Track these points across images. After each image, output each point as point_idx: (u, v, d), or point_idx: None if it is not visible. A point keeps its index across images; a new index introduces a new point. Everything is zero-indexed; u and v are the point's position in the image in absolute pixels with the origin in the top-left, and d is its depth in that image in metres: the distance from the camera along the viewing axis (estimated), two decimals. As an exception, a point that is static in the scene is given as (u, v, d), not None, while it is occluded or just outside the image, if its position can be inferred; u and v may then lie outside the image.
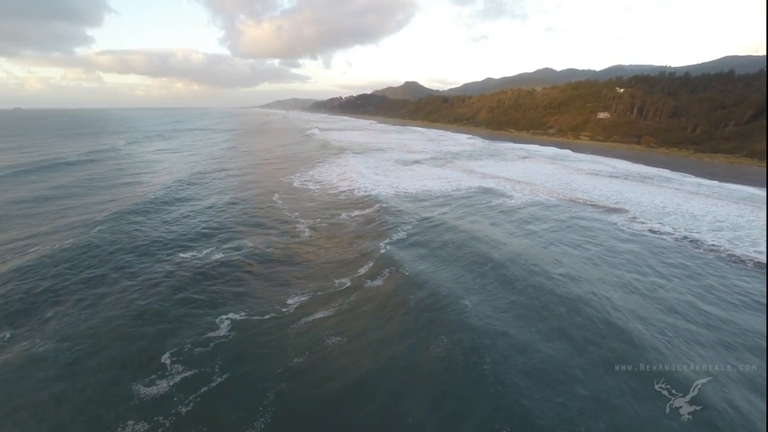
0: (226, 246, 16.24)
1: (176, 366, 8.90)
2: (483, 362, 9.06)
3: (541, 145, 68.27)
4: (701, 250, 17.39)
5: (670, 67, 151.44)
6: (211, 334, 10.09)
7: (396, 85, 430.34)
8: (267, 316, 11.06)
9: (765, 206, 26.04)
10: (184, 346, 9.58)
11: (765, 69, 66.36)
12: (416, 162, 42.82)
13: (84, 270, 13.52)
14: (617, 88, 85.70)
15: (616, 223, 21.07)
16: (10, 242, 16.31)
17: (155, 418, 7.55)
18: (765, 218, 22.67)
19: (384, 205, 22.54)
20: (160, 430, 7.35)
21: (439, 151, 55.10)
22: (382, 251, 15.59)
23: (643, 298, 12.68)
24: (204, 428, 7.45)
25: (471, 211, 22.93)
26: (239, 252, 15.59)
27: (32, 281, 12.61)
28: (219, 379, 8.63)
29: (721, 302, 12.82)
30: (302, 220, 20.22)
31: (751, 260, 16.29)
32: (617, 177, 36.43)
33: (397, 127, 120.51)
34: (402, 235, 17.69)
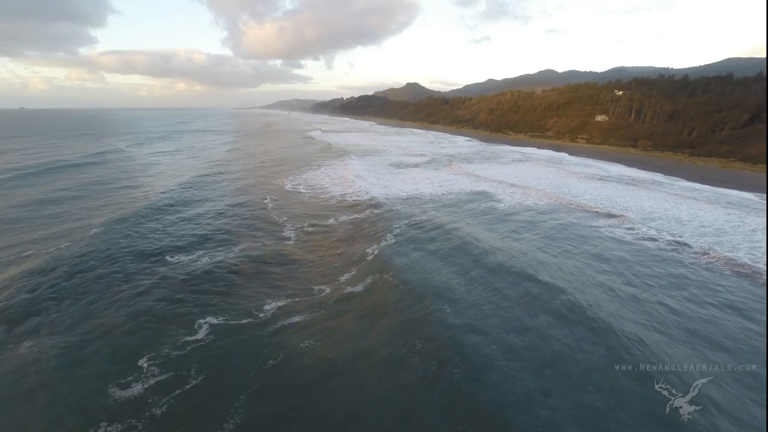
0: (215, 251, 16.60)
1: (152, 369, 9.25)
2: (462, 371, 9.13)
3: (538, 147, 68.46)
4: (683, 255, 17.63)
5: (672, 68, 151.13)
6: (188, 338, 10.44)
7: (398, 86, 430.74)
8: (245, 321, 11.40)
9: (760, 211, 26.13)
10: (162, 350, 9.93)
11: (764, 72, 66.25)
12: (412, 165, 43.14)
13: (73, 276, 13.91)
14: (616, 91, 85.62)
15: (603, 228, 21.33)
16: (5, 248, 16.74)
17: (128, 421, 7.89)
18: (759, 223, 22.86)
19: (376, 211, 22.93)
20: None
21: (436, 153, 55.49)
22: (369, 258, 15.90)
23: (629, 301, 13.01)
24: (176, 430, 7.78)
25: (462, 216, 23.22)
26: (227, 257, 15.94)
27: (26, 287, 13.03)
28: (194, 382, 8.97)
29: (703, 305, 13.17)
30: (292, 224, 20.60)
31: (729, 266, 16.54)
32: (609, 181, 36.61)
33: (397, 129, 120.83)
34: (391, 240, 17.99)
